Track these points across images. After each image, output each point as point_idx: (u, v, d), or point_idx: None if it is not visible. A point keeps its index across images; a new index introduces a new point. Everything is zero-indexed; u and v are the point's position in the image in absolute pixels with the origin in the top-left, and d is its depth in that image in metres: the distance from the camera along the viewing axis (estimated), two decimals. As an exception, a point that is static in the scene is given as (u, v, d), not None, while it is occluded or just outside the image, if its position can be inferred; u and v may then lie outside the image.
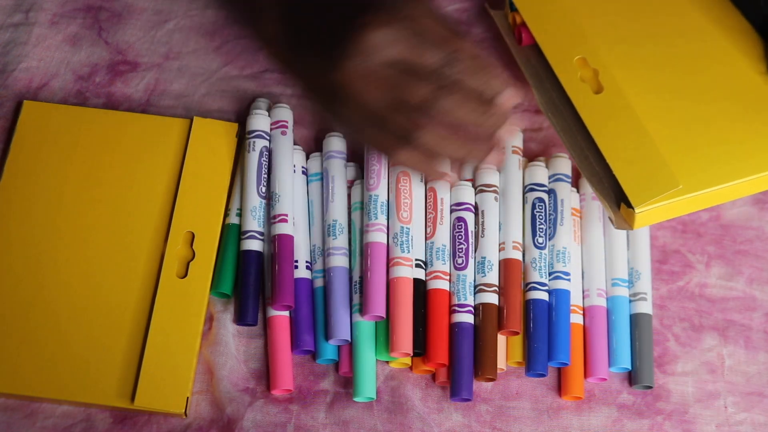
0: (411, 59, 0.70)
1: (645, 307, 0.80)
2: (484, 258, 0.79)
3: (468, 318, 0.77)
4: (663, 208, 0.75)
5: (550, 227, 0.80)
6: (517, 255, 0.79)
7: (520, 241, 0.80)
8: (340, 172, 0.81)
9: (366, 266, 0.77)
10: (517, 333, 0.78)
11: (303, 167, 0.82)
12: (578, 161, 0.78)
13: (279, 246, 0.78)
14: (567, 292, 0.79)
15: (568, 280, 0.79)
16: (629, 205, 0.74)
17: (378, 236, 0.78)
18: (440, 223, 0.79)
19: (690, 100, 0.79)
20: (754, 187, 0.77)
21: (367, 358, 0.76)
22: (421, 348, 0.76)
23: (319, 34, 0.73)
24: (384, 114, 0.71)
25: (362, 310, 0.77)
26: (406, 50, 0.70)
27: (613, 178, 0.75)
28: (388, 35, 0.70)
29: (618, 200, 0.76)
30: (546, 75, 0.81)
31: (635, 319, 0.79)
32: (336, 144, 0.81)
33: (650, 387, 0.78)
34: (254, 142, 0.80)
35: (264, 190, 0.80)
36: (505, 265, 0.79)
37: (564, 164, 0.82)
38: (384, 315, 0.76)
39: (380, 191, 0.79)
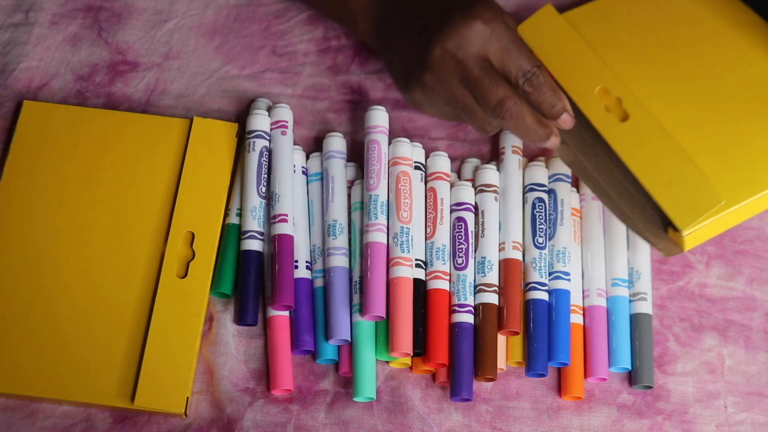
0: (499, 61, 0.76)
1: (645, 307, 0.80)
2: (484, 258, 0.79)
3: (468, 318, 0.77)
4: (710, 225, 0.74)
5: (550, 227, 0.80)
6: (517, 255, 0.79)
7: (520, 241, 0.80)
8: (340, 172, 0.81)
9: (366, 266, 0.77)
10: (517, 333, 0.78)
11: (303, 167, 0.82)
12: (604, 200, 0.78)
13: (279, 246, 0.78)
14: (567, 292, 0.79)
15: (568, 280, 0.79)
16: (676, 229, 0.74)
17: (378, 236, 0.78)
18: (440, 223, 0.79)
19: (716, 107, 0.78)
20: None
21: (367, 358, 0.76)
22: (421, 348, 0.76)
23: (419, 10, 0.79)
24: (460, 102, 0.77)
25: (362, 310, 0.77)
26: (498, 52, 0.76)
27: (655, 206, 0.75)
28: (487, 32, 0.76)
29: (665, 226, 0.75)
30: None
31: (635, 319, 0.79)
32: (336, 144, 0.81)
33: (650, 387, 0.78)
34: (254, 142, 0.80)
35: (264, 190, 0.80)
36: (505, 265, 0.79)
37: (564, 164, 0.82)
38: (384, 315, 0.76)
39: (380, 191, 0.79)
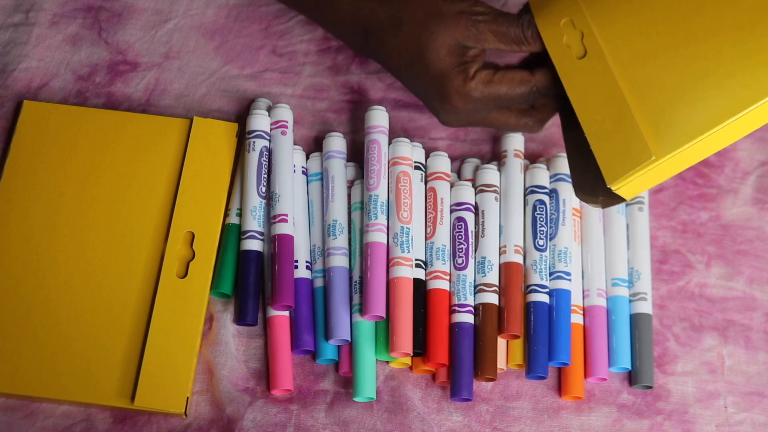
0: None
1: (645, 307, 0.80)
2: (484, 258, 0.79)
3: (468, 318, 0.77)
4: (640, 179, 0.71)
5: (551, 227, 0.80)
6: (518, 258, 0.79)
7: (521, 245, 0.80)
8: (340, 172, 0.81)
9: (366, 266, 0.77)
10: (517, 337, 0.77)
11: (303, 167, 0.82)
12: (567, 144, 0.76)
13: (279, 246, 0.78)
14: (568, 292, 0.79)
15: (569, 280, 0.79)
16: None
17: (378, 236, 0.78)
18: (440, 223, 0.79)
19: (672, 40, 0.72)
20: (740, 129, 0.71)
21: (367, 358, 0.76)
22: (421, 348, 0.76)
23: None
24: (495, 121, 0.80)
25: (362, 310, 0.77)
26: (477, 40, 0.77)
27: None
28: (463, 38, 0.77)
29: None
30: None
31: (635, 319, 0.79)
32: (336, 144, 0.81)
33: (650, 387, 0.78)
34: (254, 142, 0.80)
35: (264, 190, 0.80)
36: (506, 269, 0.79)
37: (565, 164, 0.82)
38: (384, 315, 0.76)
39: (380, 191, 0.79)
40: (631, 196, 0.72)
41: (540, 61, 0.77)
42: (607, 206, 0.74)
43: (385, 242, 0.78)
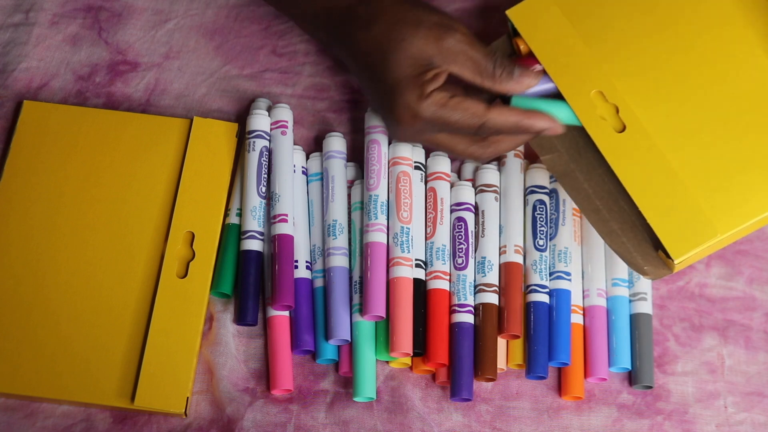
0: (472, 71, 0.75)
1: (645, 307, 0.79)
2: (484, 258, 0.79)
3: (468, 318, 0.77)
4: (700, 251, 0.73)
5: (551, 227, 0.80)
6: (518, 259, 0.79)
7: (521, 245, 0.80)
8: (340, 172, 0.81)
9: (366, 266, 0.77)
10: (517, 337, 0.77)
11: (303, 167, 0.82)
12: (592, 216, 0.76)
13: (279, 246, 0.78)
14: (568, 292, 0.79)
15: (569, 280, 0.79)
16: (668, 255, 0.73)
17: (378, 236, 0.78)
18: (440, 223, 0.79)
19: (713, 120, 0.74)
20: None
21: (367, 358, 0.76)
22: (421, 348, 0.76)
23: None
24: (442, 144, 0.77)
25: (362, 309, 0.77)
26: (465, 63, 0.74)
27: (646, 224, 0.73)
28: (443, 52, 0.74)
29: (655, 245, 0.74)
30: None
31: (635, 319, 0.79)
32: (336, 144, 0.81)
33: (650, 387, 0.78)
34: (254, 142, 0.80)
35: (264, 190, 0.80)
36: (506, 269, 0.79)
37: (554, 176, 0.82)
38: (384, 315, 0.76)
39: (380, 191, 0.79)
40: (683, 267, 0.74)
41: (501, 98, 0.76)
42: (656, 277, 0.75)
43: (385, 242, 0.78)
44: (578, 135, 0.77)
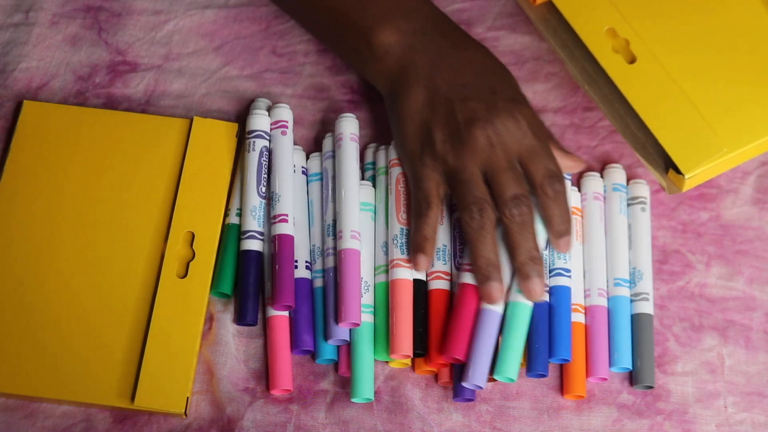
0: (528, 159, 0.77)
1: (647, 308, 0.79)
2: (484, 258, 0.79)
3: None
4: (709, 168, 0.76)
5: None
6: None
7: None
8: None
9: (340, 273, 0.77)
10: (517, 334, 0.78)
11: (303, 167, 0.82)
12: (621, 130, 0.78)
13: (279, 246, 0.78)
14: (568, 289, 0.79)
15: (569, 276, 0.79)
16: (678, 171, 0.75)
17: (352, 243, 0.77)
18: (440, 223, 0.79)
19: (720, 51, 0.78)
20: None
21: (366, 359, 0.76)
22: (421, 349, 0.76)
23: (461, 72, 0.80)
24: (464, 176, 0.77)
25: (337, 317, 0.76)
26: (529, 151, 0.78)
27: (658, 145, 0.76)
28: (525, 130, 0.77)
29: (666, 166, 0.76)
30: (574, 44, 0.80)
31: (636, 319, 0.79)
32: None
33: (651, 387, 0.78)
34: (254, 142, 0.80)
35: (264, 190, 0.80)
36: (506, 266, 0.79)
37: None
38: (359, 322, 0.76)
39: (350, 196, 0.79)
40: (689, 187, 0.77)
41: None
42: (671, 192, 0.78)
43: (359, 249, 0.78)
44: (587, 62, 0.80)
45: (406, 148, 0.78)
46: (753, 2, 0.80)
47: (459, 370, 0.76)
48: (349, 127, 0.81)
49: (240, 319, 0.77)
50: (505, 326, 0.76)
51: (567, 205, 0.77)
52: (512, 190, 0.75)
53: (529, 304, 0.76)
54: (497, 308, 0.76)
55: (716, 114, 0.76)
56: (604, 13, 0.79)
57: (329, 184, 0.80)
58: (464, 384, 0.75)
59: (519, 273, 0.75)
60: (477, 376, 0.75)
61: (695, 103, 0.76)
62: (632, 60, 0.77)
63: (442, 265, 0.78)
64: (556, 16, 0.80)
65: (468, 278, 0.76)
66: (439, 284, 0.78)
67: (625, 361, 0.78)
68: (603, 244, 0.81)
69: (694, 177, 0.75)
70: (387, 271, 0.78)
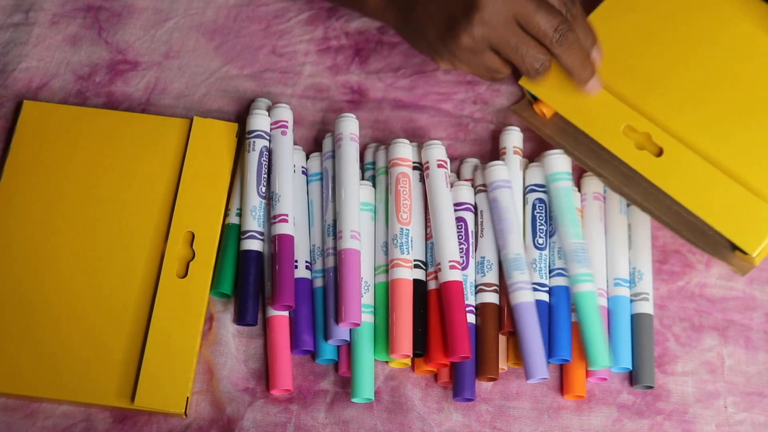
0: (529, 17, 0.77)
1: (647, 308, 0.79)
2: (484, 258, 0.79)
3: (469, 318, 0.77)
4: None
5: (551, 225, 0.80)
6: (518, 255, 0.79)
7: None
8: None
9: (340, 273, 0.77)
10: (517, 333, 0.78)
11: (303, 167, 0.82)
12: (675, 227, 0.77)
13: (279, 246, 0.78)
14: (567, 289, 0.79)
15: (569, 276, 0.79)
16: (743, 251, 0.75)
17: (352, 243, 0.77)
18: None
19: (744, 110, 0.77)
20: None
21: (366, 359, 0.76)
22: (421, 349, 0.76)
23: None
24: (513, 40, 0.77)
25: (337, 317, 0.76)
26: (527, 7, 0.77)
27: (714, 228, 0.75)
28: None
29: (731, 246, 0.76)
30: (600, 148, 0.79)
31: (637, 319, 0.79)
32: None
33: (651, 387, 0.78)
34: (254, 142, 0.80)
35: (264, 190, 0.80)
36: (506, 266, 0.79)
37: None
38: (360, 322, 0.76)
39: (350, 196, 0.79)
40: (762, 259, 0.75)
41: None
42: (745, 272, 0.77)
43: (359, 249, 0.78)
44: (620, 164, 0.78)
45: (443, 47, 0.78)
46: (765, 52, 0.79)
47: (459, 370, 0.76)
48: (349, 127, 0.81)
49: (240, 319, 0.77)
50: (580, 318, 0.77)
51: (582, 49, 0.77)
52: (551, 24, 0.76)
53: (594, 290, 0.77)
54: (530, 299, 0.76)
55: (762, 179, 0.75)
56: (617, 112, 0.78)
57: (329, 184, 0.80)
58: (529, 381, 0.75)
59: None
60: (538, 369, 0.75)
61: (736, 176, 0.75)
62: (659, 152, 0.77)
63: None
64: (572, 125, 0.80)
65: (456, 275, 0.77)
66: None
67: (625, 361, 0.78)
68: (603, 244, 0.81)
69: (762, 251, 0.75)
70: (387, 271, 0.78)
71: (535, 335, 0.76)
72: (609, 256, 0.81)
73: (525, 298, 0.76)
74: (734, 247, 0.76)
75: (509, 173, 0.81)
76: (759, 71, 0.79)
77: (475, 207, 0.80)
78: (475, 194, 0.81)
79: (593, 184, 0.82)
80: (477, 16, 0.76)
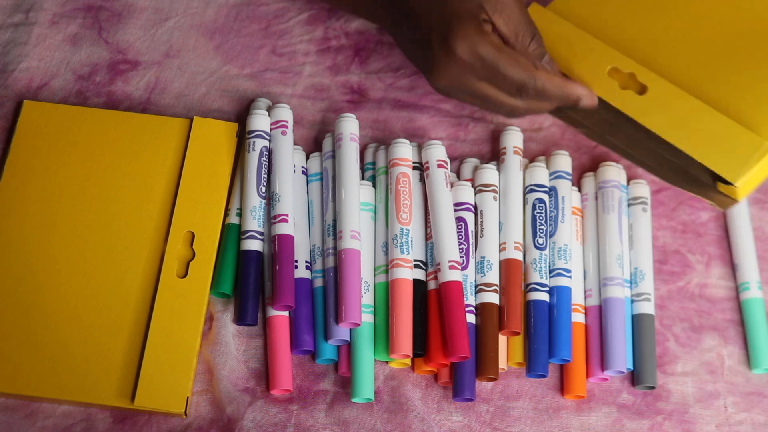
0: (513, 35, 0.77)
1: (648, 308, 0.79)
2: (484, 258, 0.79)
3: (469, 318, 0.77)
4: (760, 168, 0.74)
5: (551, 225, 0.80)
6: (518, 255, 0.79)
7: (521, 242, 0.80)
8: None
9: (340, 273, 0.77)
10: (518, 333, 0.77)
11: (303, 167, 0.82)
12: (658, 170, 0.78)
13: (279, 246, 0.78)
14: (568, 289, 0.79)
15: (569, 277, 0.79)
16: (727, 182, 0.74)
17: (352, 243, 0.77)
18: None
19: (728, 50, 0.77)
20: None
21: (366, 359, 0.76)
22: (421, 349, 0.76)
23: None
24: (479, 94, 0.77)
25: (337, 317, 0.76)
26: (508, 25, 0.77)
27: (698, 165, 0.75)
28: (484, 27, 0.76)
29: (713, 181, 0.76)
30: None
31: (638, 320, 0.79)
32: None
33: (653, 387, 0.78)
34: (254, 142, 0.80)
35: (264, 190, 0.80)
36: (506, 266, 0.79)
37: (565, 162, 0.82)
38: (360, 322, 0.76)
39: (351, 197, 0.79)
40: (747, 193, 0.75)
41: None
42: (726, 207, 0.77)
43: (359, 249, 0.78)
44: (605, 112, 0.79)
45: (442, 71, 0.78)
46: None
47: (459, 370, 0.76)
48: (349, 127, 0.81)
49: (240, 319, 0.77)
50: (747, 322, 0.79)
51: (557, 86, 0.77)
52: (514, 79, 0.76)
53: (761, 297, 0.79)
54: (621, 295, 0.77)
55: (746, 111, 0.75)
56: (602, 55, 0.79)
57: (329, 184, 0.80)
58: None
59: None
60: (618, 362, 0.77)
61: (720, 107, 0.75)
62: (643, 90, 0.77)
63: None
64: None
65: (455, 275, 0.76)
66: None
67: (627, 361, 0.78)
68: (604, 245, 0.81)
69: (746, 183, 0.74)
70: (387, 271, 0.78)
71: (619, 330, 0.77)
72: (607, 255, 0.81)
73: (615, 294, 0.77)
74: (717, 182, 0.76)
75: (511, 174, 0.81)
76: (742, 3, 0.79)
77: (475, 207, 0.80)
78: (475, 194, 0.81)
79: (593, 184, 0.82)
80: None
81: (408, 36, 0.78)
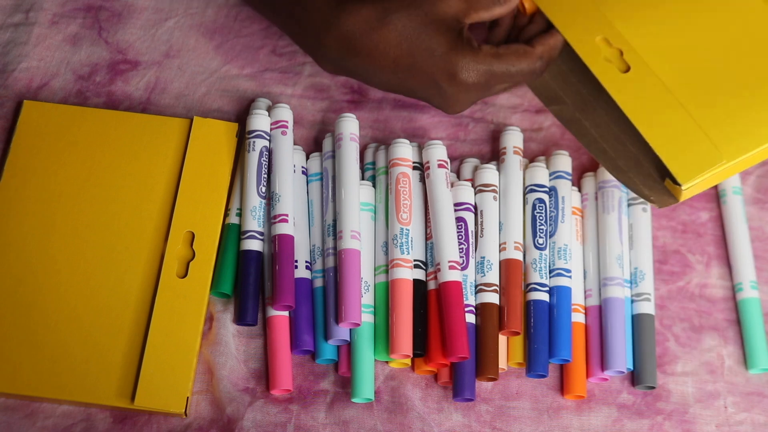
0: None
1: (648, 308, 0.79)
2: (484, 258, 0.79)
3: (469, 318, 0.77)
4: (707, 179, 0.75)
5: (550, 225, 0.80)
6: (518, 255, 0.79)
7: (521, 242, 0.80)
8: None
9: (340, 273, 0.77)
10: (518, 333, 0.77)
11: (303, 167, 0.82)
12: (599, 156, 0.78)
13: (279, 246, 0.78)
14: (568, 289, 0.79)
15: (569, 277, 0.79)
16: (675, 181, 0.75)
17: (352, 243, 0.77)
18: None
19: (715, 58, 0.78)
20: None
21: (366, 359, 0.76)
22: (421, 349, 0.76)
23: None
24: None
25: (338, 317, 0.76)
26: None
27: (653, 157, 0.76)
28: None
29: (661, 176, 0.76)
30: (571, 72, 0.81)
31: (638, 320, 0.79)
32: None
33: (653, 387, 0.78)
34: (254, 142, 0.80)
35: (264, 190, 0.80)
36: (506, 266, 0.79)
37: (565, 162, 0.82)
38: (360, 322, 0.76)
39: (351, 197, 0.79)
40: (688, 196, 0.75)
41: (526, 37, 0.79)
42: (663, 206, 0.77)
43: (359, 249, 0.78)
44: (583, 86, 0.80)
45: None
46: (750, 6, 0.79)
47: (459, 370, 0.76)
48: (349, 127, 0.81)
49: (240, 319, 0.77)
50: (743, 322, 0.79)
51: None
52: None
53: (758, 297, 0.80)
54: (621, 295, 0.78)
55: (714, 123, 0.75)
56: (596, 23, 0.79)
57: (329, 184, 0.80)
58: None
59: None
60: (618, 362, 0.77)
61: (692, 112, 0.75)
62: (626, 69, 0.77)
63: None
64: None
65: (455, 276, 0.76)
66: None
67: (627, 361, 0.78)
68: (604, 245, 0.81)
69: (691, 187, 0.75)
70: (387, 271, 0.78)
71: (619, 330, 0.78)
72: (607, 255, 0.81)
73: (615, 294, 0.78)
74: (664, 178, 0.76)
75: (511, 174, 0.81)
76: (740, 22, 0.79)
77: (475, 207, 0.80)
78: (475, 194, 0.81)
79: (593, 184, 0.82)
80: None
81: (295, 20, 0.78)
